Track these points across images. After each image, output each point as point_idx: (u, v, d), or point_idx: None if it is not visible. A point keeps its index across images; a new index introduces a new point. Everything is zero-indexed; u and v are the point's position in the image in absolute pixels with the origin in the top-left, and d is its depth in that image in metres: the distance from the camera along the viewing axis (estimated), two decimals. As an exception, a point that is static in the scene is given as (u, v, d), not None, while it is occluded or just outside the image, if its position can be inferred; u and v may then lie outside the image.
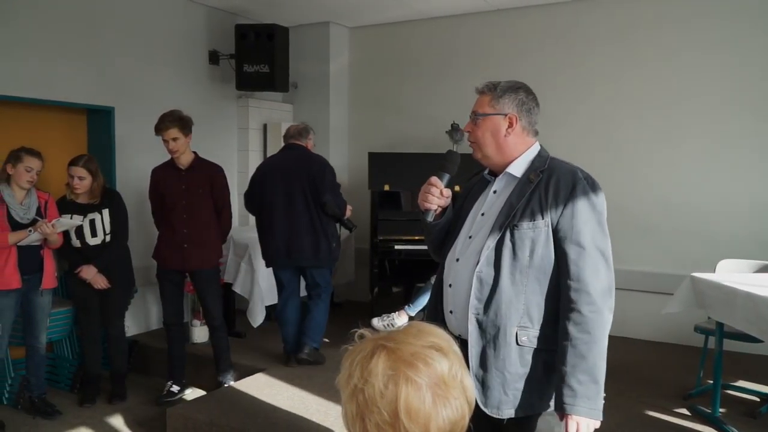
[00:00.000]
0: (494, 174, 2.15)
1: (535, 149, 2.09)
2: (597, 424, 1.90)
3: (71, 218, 4.09)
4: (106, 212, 4.29)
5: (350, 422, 1.12)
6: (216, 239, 4.44)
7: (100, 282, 4.25)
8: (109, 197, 4.34)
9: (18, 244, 3.87)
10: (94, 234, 4.27)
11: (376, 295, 5.58)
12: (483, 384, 1.98)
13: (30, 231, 3.88)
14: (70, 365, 4.74)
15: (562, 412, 1.89)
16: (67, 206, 4.22)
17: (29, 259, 3.97)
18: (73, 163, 4.19)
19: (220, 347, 4.44)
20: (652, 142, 5.33)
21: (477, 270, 1.99)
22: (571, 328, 1.89)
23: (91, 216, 4.25)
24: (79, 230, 4.22)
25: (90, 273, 4.22)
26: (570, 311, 1.90)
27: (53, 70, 4.74)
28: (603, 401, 1.91)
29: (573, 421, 1.87)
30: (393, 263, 5.85)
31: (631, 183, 5.37)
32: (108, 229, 4.30)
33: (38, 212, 4.02)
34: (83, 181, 4.17)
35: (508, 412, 1.98)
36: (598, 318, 1.90)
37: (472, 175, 2.29)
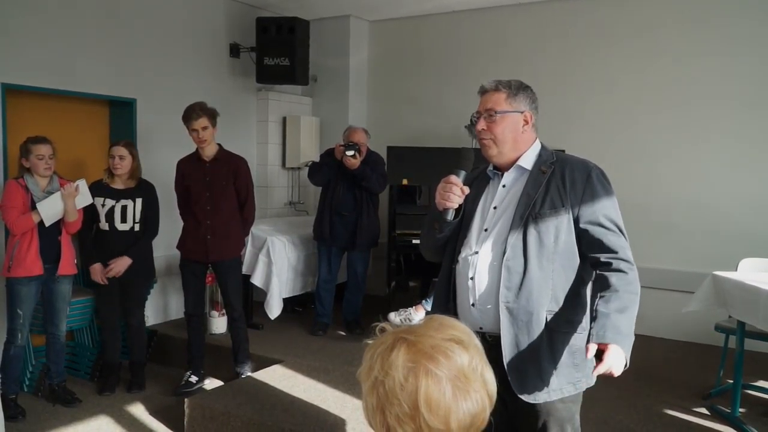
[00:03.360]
0: (498, 169, 2.20)
1: (538, 144, 2.19)
2: (621, 369, 1.90)
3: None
4: (139, 201, 4.36)
5: (371, 415, 1.13)
6: (239, 231, 4.47)
7: (119, 269, 4.30)
8: (144, 188, 4.42)
9: (42, 218, 3.93)
10: (123, 220, 4.33)
11: (393, 290, 5.58)
12: (518, 371, 2.02)
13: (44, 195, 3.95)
14: (89, 354, 4.79)
15: (602, 341, 1.89)
16: (101, 189, 4.31)
17: (49, 247, 4.04)
18: (117, 143, 4.33)
19: (238, 338, 4.46)
20: (674, 139, 5.28)
21: (505, 260, 2.04)
22: (617, 281, 1.98)
23: (123, 202, 4.32)
24: (110, 214, 4.29)
25: (123, 265, 4.28)
26: (609, 269, 2.01)
27: (76, 61, 4.78)
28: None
29: (611, 351, 1.87)
30: (410, 257, 5.85)
31: (653, 180, 5.31)
32: (138, 217, 4.36)
33: None
34: (123, 161, 4.27)
35: (543, 396, 2.03)
36: (634, 276, 2.02)
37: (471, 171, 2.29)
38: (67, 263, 4.13)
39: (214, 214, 4.31)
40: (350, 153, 4.86)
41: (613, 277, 2.00)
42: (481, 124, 2.14)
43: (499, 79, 2.15)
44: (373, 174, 5.02)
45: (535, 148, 2.16)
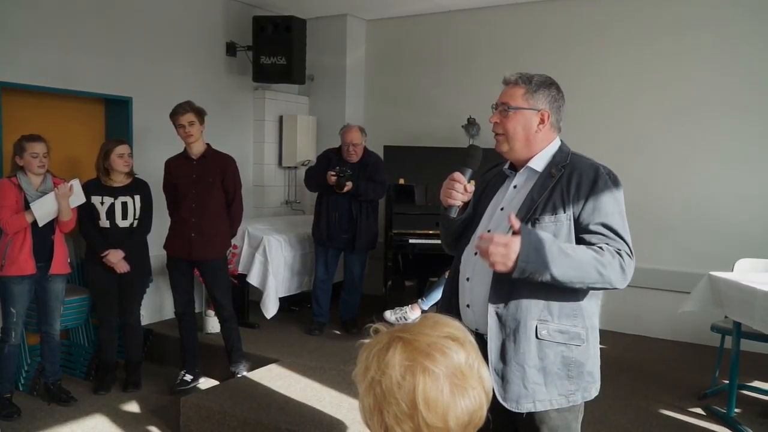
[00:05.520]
0: (514, 168, 2.14)
1: (556, 144, 2.10)
2: (508, 265, 1.82)
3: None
4: (137, 198, 4.37)
5: (368, 415, 1.12)
6: (225, 230, 4.43)
7: (122, 266, 4.29)
8: (140, 185, 4.43)
9: (36, 218, 3.91)
10: (125, 216, 4.33)
11: (389, 289, 5.58)
12: (502, 378, 1.98)
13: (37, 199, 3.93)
14: (85, 353, 4.78)
15: (517, 231, 1.83)
16: (98, 188, 4.30)
17: (42, 246, 4.01)
18: (119, 142, 4.36)
19: (231, 338, 4.43)
20: (672, 140, 5.28)
21: None
22: (607, 254, 1.89)
23: (123, 199, 4.32)
24: (110, 211, 4.29)
25: (117, 257, 4.26)
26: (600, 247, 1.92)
27: (72, 60, 4.76)
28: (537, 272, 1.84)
29: (515, 238, 1.81)
30: (407, 257, 5.85)
31: (650, 181, 5.32)
32: (138, 214, 4.37)
33: None
34: (131, 158, 4.33)
35: (527, 406, 1.98)
36: (612, 266, 1.89)
37: (488, 169, 2.28)
38: (60, 262, 4.11)
39: (200, 212, 4.29)
40: (339, 188, 4.92)
41: (608, 252, 1.90)
42: (495, 117, 2.09)
43: (522, 73, 2.07)
44: (370, 187, 5.02)
45: (550, 149, 2.07)
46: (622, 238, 1.95)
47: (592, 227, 1.95)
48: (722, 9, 5.06)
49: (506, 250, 1.80)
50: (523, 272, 1.82)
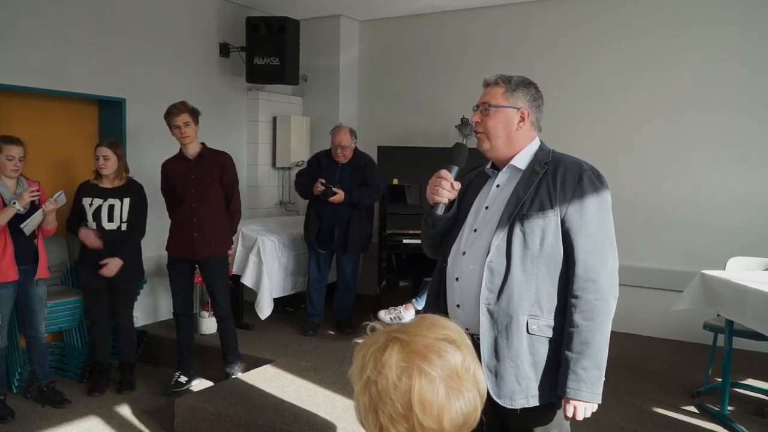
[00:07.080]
0: (496, 168, 2.17)
1: (536, 143, 2.14)
2: (594, 407, 1.97)
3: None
4: (126, 201, 4.35)
5: (363, 415, 1.12)
6: (225, 228, 4.45)
7: (109, 270, 4.27)
8: (132, 188, 4.41)
9: (23, 228, 3.89)
10: (110, 219, 4.31)
11: (383, 289, 5.58)
12: (496, 374, 2.00)
13: (14, 204, 3.85)
14: (79, 354, 4.76)
15: (564, 396, 1.95)
16: (89, 189, 4.30)
17: (24, 250, 3.99)
18: (99, 144, 4.33)
19: (227, 338, 4.45)
20: (664, 138, 5.30)
21: (488, 260, 2.01)
22: (577, 316, 1.95)
23: (111, 201, 4.31)
24: (97, 213, 4.28)
25: (116, 265, 4.26)
26: (577, 299, 1.96)
27: (65, 60, 4.75)
28: (602, 384, 1.99)
29: (571, 406, 1.95)
30: (400, 257, 5.85)
31: (643, 179, 5.34)
32: (125, 217, 4.35)
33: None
34: (108, 161, 4.27)
35: (521, 402, 1.99)
36: (604, 306, 1.96)
37: (469, 170, 2.30)
38: (44, 267, 4.11)
39: (200, 211, 4.29)
40: (325, 197, 4.91)
41: (576, 311, 1.95)
42: (476, 117, 2.12)
43: (501, 74, 2.12)
44: (365, 192, 5.01)
45: (531, 148, 2.11)
46: (606, 239, 1.99)
47: (580, 227, 1.97)
48: (718, 2, 5.07)
49: (580, 411, 1.97)
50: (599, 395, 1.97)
